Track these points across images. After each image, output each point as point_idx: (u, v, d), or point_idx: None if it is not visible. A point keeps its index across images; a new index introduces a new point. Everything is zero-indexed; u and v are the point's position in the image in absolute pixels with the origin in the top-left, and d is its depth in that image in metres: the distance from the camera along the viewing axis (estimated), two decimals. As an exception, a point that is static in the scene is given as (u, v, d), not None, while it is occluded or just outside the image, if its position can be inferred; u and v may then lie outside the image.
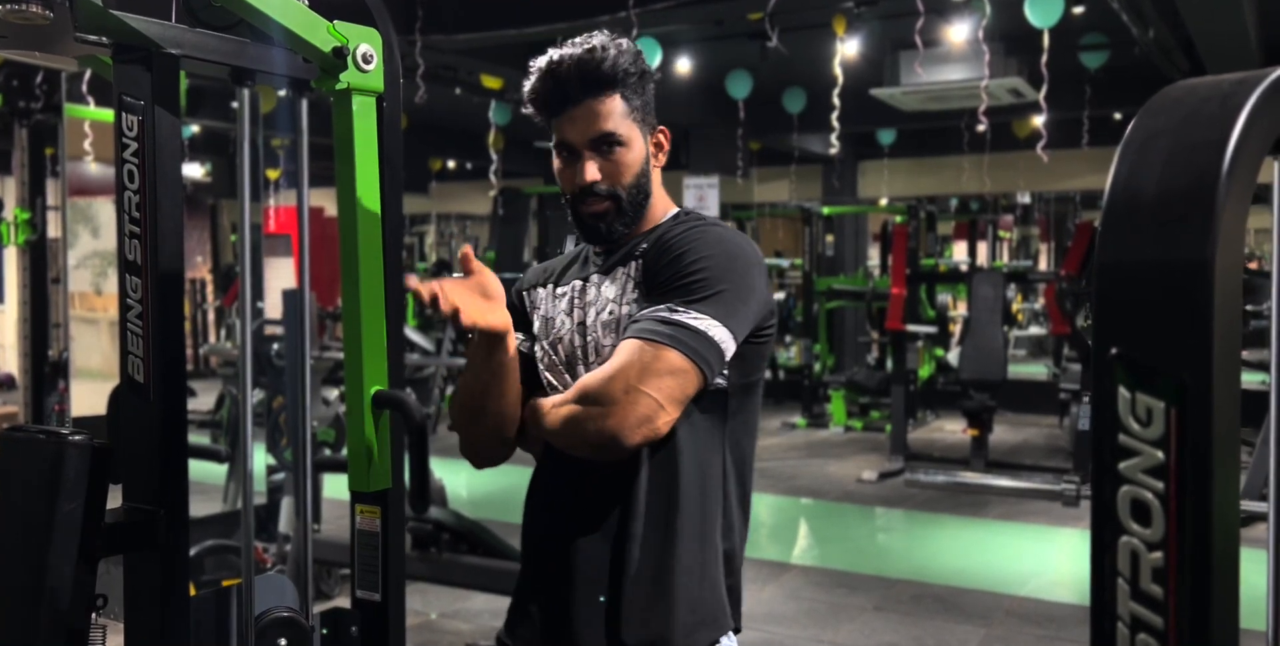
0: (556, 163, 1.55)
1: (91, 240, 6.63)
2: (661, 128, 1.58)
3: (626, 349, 1.38)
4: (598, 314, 1.52)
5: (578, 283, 1.58)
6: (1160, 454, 0.85)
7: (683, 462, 1.46)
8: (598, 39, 1.50)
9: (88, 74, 5.22)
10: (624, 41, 1.51)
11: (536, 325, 1.61)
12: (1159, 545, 0.86)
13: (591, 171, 1.49)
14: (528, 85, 1.53)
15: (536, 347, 1.59)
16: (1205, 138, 0.87)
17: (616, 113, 1.49)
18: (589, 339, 1.52)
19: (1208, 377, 0.83)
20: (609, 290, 1.52)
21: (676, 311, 1.39)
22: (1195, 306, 0.84)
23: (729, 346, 1.40)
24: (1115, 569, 0.88)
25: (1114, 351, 0.88)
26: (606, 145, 1.49)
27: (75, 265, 5.47)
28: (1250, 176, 0.87)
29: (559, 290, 1.61)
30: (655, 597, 1.44)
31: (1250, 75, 0.90)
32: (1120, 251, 0.88)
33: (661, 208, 1.60)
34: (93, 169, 6.46)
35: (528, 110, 1.57)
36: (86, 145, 6.01)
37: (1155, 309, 0.86)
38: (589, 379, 1.39)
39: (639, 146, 1.53)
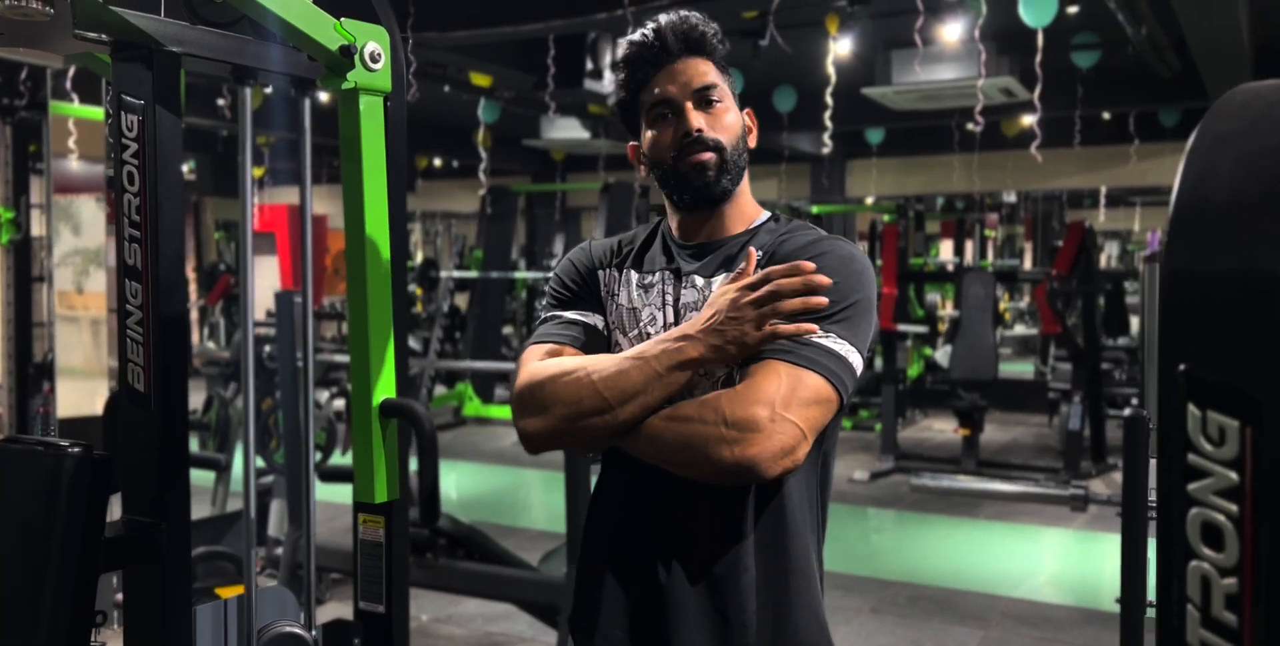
0: (649, 132, 1.48)
1: (72, 238, 6.54)
2: (748, 110, 1.54)
3: (769, 370, 1.28)
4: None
5: (668, 274, 1.49)
6: (1234, 475, 0.82)
7: (790, 486, 1.39)
8: (696, 14, 1.49)
9: (72, 70, 5.14)
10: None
11: (613, 312, 1.52)
12: (1233, 570, 0.82)
13: (696, 119, 1.44)
14: (622, 51, 1.50)
15: (618, 337, 1.49)
16: (1276, 142, 0.83)
17: (715, 74, 1.47)
18: None
19: (1285, 394, 0.80)
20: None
21: (817, 336, 1.31)
22: (1272, 318, 0.80)
23: (860, 370, 1.35)
24: (1185, 594, 0.84)
25: (1182, 367, 0.84)
26: (709, 100, 1.45)
27: (56, 264, 5.39)
28: (1327, 184, 0.83)
29: (643, 278, 1.51)
30: (769, 633, 1.38)
31: (1321, 78, 0.86)
32: (1189, 260, 0.84)
33: (753, 206, 1.53)
34: (74, 166, 6.37)
35: (619, 74, 1.51)
36: (71, 143, 5.93)
37: (1227, 321, 0.82)
38: (726, 398, 1.27)
39: (736, 113, 1.49)
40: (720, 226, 1.50)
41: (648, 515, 1.42)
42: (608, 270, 1.55)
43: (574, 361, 1.41)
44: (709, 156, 1.43)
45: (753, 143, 1.53)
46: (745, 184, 1.51)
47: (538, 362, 1.43)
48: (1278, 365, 0.80)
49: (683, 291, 1.46)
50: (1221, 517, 0.82)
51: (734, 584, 1.37)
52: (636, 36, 1.48)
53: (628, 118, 1.53)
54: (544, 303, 1.58)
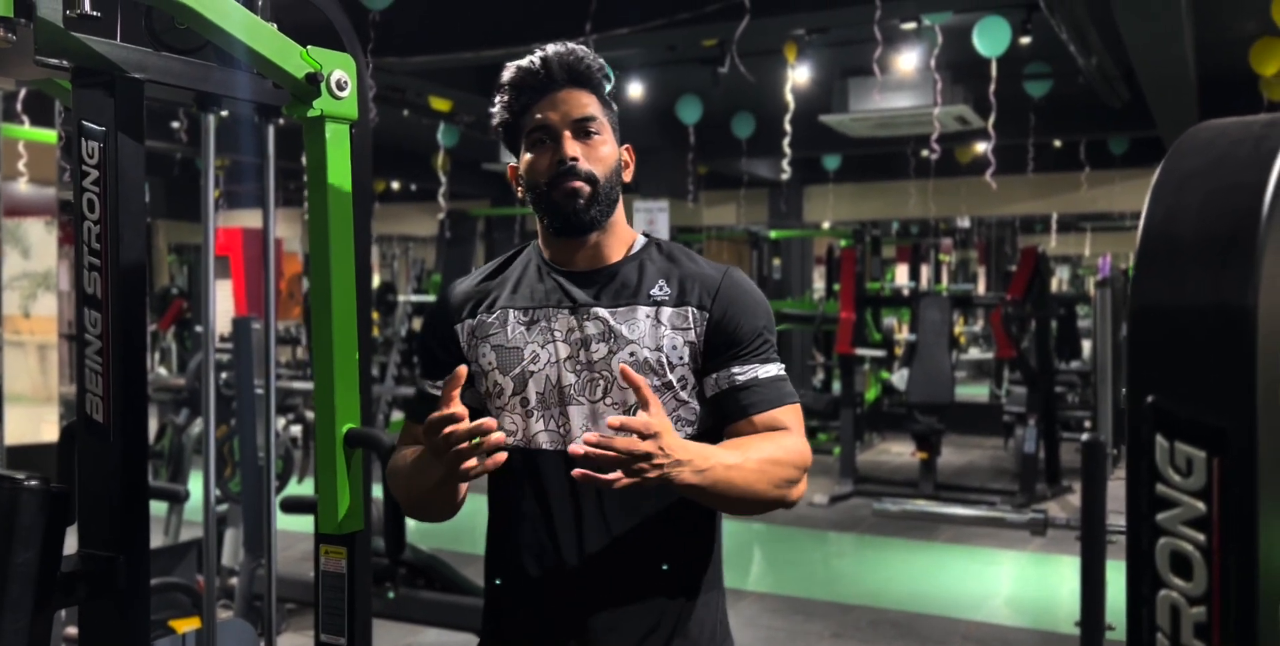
0: (527, 156, 1.48)
1: (21, 261, 6.43)
2: (627, 145, 1.56)
3: (791, 414, 1.46)
4: (611, 352, 1.43)
5: (558, 312, 1.48)
6: (1201, 505, 0.83)
7: (687, 510, 1.47)
8: (584, 48, 1.51)
9: (22, 93, 5.07)
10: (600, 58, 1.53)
11: (485, 355, 1.49)
12: (1201, 599, 0.83)
13: (572, 147, 1.45)
14: (507, 75, 1.50)
15: (497, 378, 1.48)
16: (1242, 180, 0.85)
17: (596, 107, 1.49)
18: (596, 376, 1.44)
19: (1252, 426, 0.81)
20: (630, 330, 1.44)
21: (780, 367, 1.49)
22: (1238, 352, 0.82)
23: None
24: (1154, 623, 0.86)
25: (1150, 399, 0.85)
26: (586, 132, 1.47)
27: (3, 287, 5.30)
28: (1288, 220, 0.85)
29: (523, 314, 1.49)
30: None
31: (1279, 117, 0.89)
32: (1157, 295, 0.86)
33: (628, 231, 1.56)
34: (24, 189, 6.27)
35: (503, 96, 1.51)
36: (21, 165, 5.84)
37: (1195, 355, 0.84)
38: (801, 445, 1.44)
39: (614, 147, 1.51)
40: (600, 254, 1.51)
41: (559, 548, 1.45)
42: (471, 320, 1.52)
43: (397, 459, 1.53)
44: (581, 185, 1.45)
45: (628, 178, 1.55)
46: (620, 214, 1.53)
47: (398, 451, 1.55)
48: (1245, 397, 0.82)
49: (586, 323, 1.46)
50: (1190, 547, 0.84)
51: (645, 603, 1.45)
52: (524, 62, 1.49)
53: (509, 140, 1.54)
54: None
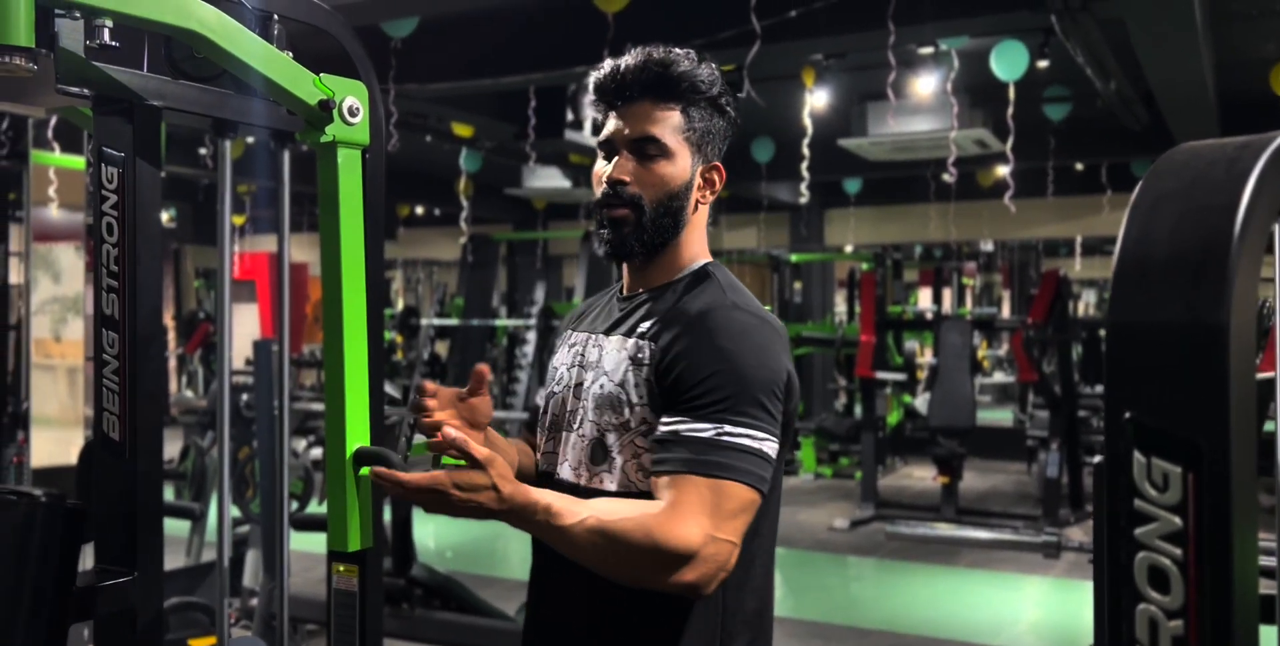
0: (598, 164, 1.44)
1: (51, 286, 6.53)
2: (716, 164, 1.44)
3: (693, 488, 1.22)
4: (594, 381, 1.40)
5: (590, 337, 1.47)
6: (1178, 520, 0.84)
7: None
8: (680, 51, 1.40)
9: (53, 120, 5.18)
10: (711, 64, 1.41)
11: (548, 372, 1.56)
12: (1179, 613, 0.84)
13: (622, 169, 1.38)
14: (592, 76, 1.44)
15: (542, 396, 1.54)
16: (1215, 201, 0.87)
17: (670, 123, 1.38)
18: (580, 404, 1.41)
19: (1225, 442, 0.82)
20: (608, 360, 1.39)
21: (727, 434, 1.25)
22: (1211, 369, 0.83)
23: (775, 452, 1.29)
24: (1133, 637, 0.87)
25: (1127, 415, 0.87)
26: (647, 152, 1.38)
27: (34, 311, 5.39)
28: (1260, 239, 0.87)
29: (573, 337, 1.52)
30: None
31: (1255, 139, 0.91)
32: (1132, 313, 0.87)
33: (689, 256, 1.44)
34: (54, 214, 6.38)
35: (591, 98, 1.46)
36: (51, 192, 5.95)
37: (1169, 372, 0.85)
38: (655, 525, 1.20)
39: (683, 167, 1.39)
40: (640, 281, 1.46)
41: (547, 557, 1.44)
42: (563, 335, 1.58)
43: None
44: (622, 213, 1.38)
45: (704, 198, 1.44)
46: (691, 232, 1.43)
47: None
48: (1218, 413, 0.83)
49: (591, 349, 1.44)
50: (1167, 561, 0.85)
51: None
52: (608, 65, 1.41)
53: None
54: None
